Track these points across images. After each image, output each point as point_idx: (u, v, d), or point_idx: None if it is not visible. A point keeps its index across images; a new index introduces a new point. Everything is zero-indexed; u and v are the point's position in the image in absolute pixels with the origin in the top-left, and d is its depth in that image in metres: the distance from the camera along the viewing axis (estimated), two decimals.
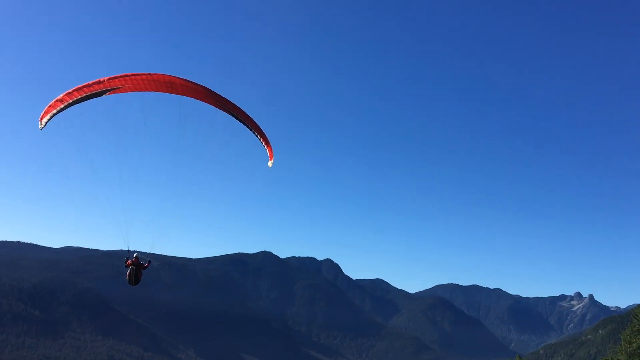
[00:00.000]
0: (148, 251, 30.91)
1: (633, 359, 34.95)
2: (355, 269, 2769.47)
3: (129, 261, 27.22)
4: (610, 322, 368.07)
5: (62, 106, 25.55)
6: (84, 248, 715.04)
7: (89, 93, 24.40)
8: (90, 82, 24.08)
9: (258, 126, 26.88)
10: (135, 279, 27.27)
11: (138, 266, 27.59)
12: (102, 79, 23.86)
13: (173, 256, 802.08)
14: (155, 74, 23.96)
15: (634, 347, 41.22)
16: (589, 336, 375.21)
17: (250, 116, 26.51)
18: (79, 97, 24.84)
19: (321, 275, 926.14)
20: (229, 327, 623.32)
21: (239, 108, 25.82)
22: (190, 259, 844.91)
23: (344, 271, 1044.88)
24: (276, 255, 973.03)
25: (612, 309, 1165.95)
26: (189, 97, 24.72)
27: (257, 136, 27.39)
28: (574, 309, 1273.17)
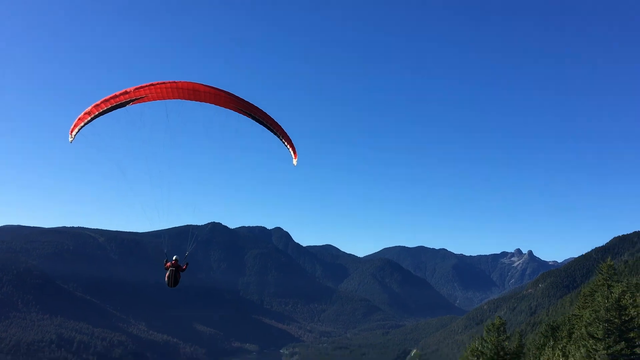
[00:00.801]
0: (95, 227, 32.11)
1: (610, 312, 38.32)
2: (305, 236, 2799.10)
3: (169, 263, 27.76)
4: (549, 276, 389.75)
5: (89, 118, 25.77)
6: (24, 226, 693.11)
7: (115, 104, 24.74)
8: (117, 93, 24.30)
9: (282, 128, 27.09)
10: (174, 280, 27.86)
11: (177, 268, 28.15)
12: (128, 89, 24.00)
13: (119, 231, 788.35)
14: (180, 81, 24.09)
15: (612, 302, 44.43)
16: (530, 290, 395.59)
17: (273, 118, 26.99)
18: (106, 108, 25.07)
19: (271, 243, 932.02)
20: (181, 299, 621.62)
21: (262, 111, 25.98)
22: (137, 233, 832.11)
23: (294, 239, 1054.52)
24: (225, 226, 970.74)
25: (550, 263, 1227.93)
26: (212, 105, 25.02)
27: (280, 138, 27.96)
28: (515, 265, 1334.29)
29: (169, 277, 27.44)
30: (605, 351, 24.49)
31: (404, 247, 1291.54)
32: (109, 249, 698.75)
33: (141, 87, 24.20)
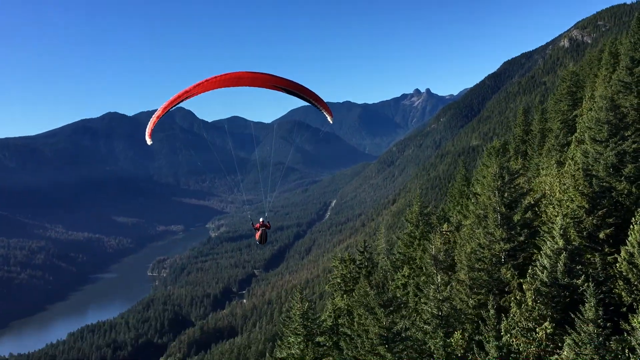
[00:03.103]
0: None
1: (609, 113, 40.15)
2: (209, 112, 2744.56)
3: (257, 224, 30.68)
4: (449, 109, 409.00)
5: (156, 121, 29.55)
6: None
7: (178, 103, 28.20)
8: (180, 93, 27.74)
9: (315, 94, 30.24)
10: (265, 238, 30.86)
11: (265, 227, 31.00)
12: (188, 89, 27.42)
13: (10, 137, 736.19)
14: (227, 73, 27.50)
15: (608, 102, 45.46)
16: (433, 125, 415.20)
17: (306, 87, 29.77)
18: (171, 107, 28.69)
19: (176, 124, 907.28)
20: (93, 195, 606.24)
21: (296, 83, 28.93)
22: (30, 136, 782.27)
23: (198, 116, 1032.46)
24: (123, 114, 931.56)
25: (447, 97, 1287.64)
26: (253, 87, 28.20)
27: (315, 105, 30.67)
28: (415, 104, 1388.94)
29: (261, 235, 30.65)
30: (613, 152, 26.23)
31: (309, 105, 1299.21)
32: (3, 158, 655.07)
33: (198, 85, 27.54)
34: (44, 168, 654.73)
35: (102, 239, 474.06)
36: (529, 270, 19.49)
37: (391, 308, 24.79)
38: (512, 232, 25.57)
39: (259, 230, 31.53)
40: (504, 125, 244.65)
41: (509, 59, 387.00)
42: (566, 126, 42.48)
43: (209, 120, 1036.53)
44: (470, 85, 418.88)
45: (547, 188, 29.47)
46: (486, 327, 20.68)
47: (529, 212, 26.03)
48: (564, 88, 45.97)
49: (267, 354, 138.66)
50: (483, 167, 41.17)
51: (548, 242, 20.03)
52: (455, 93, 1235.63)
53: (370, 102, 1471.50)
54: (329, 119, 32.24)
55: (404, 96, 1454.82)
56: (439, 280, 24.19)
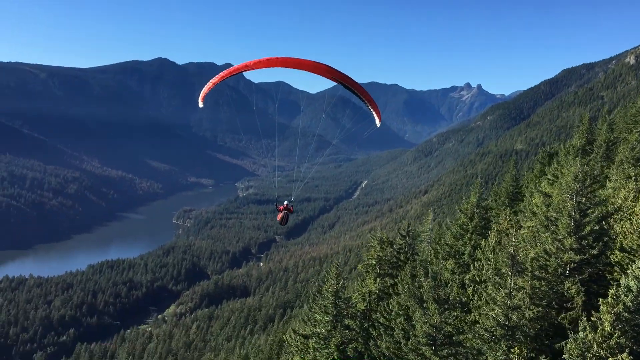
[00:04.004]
0: None
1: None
2: (256, 73, 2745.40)
3: (281, 207, 31.32)
4: (498, 109, 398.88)
5: (212, 86, 30.87)
6: None
7: (236, 73, 29.26)
8: (241, 66, 28.66)
9: (367, 94, 30.43)
10: (286, 221, 31.49)
11: (288, 210, 31.52)
12: (249, 63, 28.55)
13: (62, 66, 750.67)
14: (289, 58, 28.62)
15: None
16: (478, 122, 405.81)
17: (360, 85, 30.03)
18: (228, 77, 30.04)
19: (223, 81, 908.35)
20: (132, 136, 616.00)
21: (355, 82, 29.50)
22: (81, 68, 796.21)
23: (245, 75, 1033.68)
24: (173, 62, 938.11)
25: (497, 96, 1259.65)
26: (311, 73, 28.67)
27: (365, 103, 30.69)
28: (464, 99, 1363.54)
29: (282, 217, 30.99)
30: None
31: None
32: (53, 86, 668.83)
33: (259, 62, 28.50)
34: (89, 102, 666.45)
35: (134, 179, 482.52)
36: (612, 291, 17.25)
37: (446, 306, 22.42)
38: (584, 242, 23.14)
39: (281, 212, 31.83)
40: (553, 133, 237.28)
41: (569, 67, 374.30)
42: None
43: (255, 82, 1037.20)
44: (524, 88, 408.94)
45: (620, 202, 27.05)
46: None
47: (603, 223, 23.69)
48: None
49: (277, 321, 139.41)
50: (558, 166, 37.96)
51: (638, 262, 17.78)
52: (506, 93, 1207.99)
53: (418, 89, 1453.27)
54: (377, 121, 32.21)
55: (454, 88, 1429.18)
56: (512, 285, 21.60)
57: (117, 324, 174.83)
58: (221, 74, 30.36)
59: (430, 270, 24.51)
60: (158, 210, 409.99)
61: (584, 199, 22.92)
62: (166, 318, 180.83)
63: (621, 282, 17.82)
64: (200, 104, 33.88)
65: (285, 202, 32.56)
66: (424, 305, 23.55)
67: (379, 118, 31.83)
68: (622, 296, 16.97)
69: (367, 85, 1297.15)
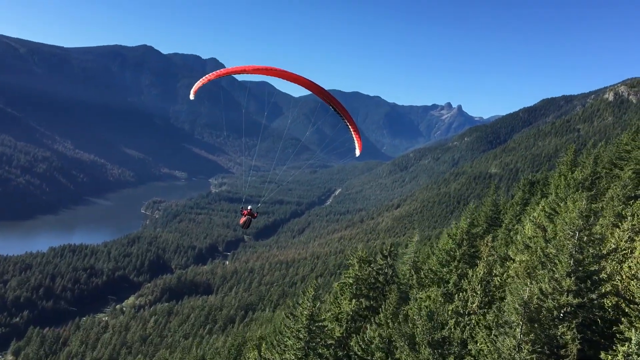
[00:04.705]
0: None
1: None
2: None
3: (245, 211, 31.71)
4: (475, 131, 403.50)
5: (206, 82, 30.97)
6: None
7: (231, 74, 29.82)
8: (239, 68, 28.92)
9: (356, 126, 31.66)
10: (248, 226, 31.79)
11: (251, 215, 31.96)
12: (247, 68, 28.86)
13: (44, 43, 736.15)
14: (288, 72, 29.11)
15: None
16: (455, 142, 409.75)
17: (347, 111, 31.23)
18: (222, 76, 30.58)
19: (205, 74, 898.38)
20: (109, 120, 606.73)
21: (345, 109, 30.65)
22: (63, 47, 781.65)
23: None
24: (158, 51, 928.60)
25: (476, 119, 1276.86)
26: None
27: (349, 128, 31.45)
28: (443, 117, 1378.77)
29: (245, 222, 31.58)
30: None
31: (340, 91, 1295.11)
32: (32, 62, 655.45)
33: (257, 69, 29.13)
34: (69, 82, 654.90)
35: (106, 165, 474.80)
36: (623, 348, 16.21)
37: (441, 351, 20.66)
38: (582, 284, 21.53)
39: (245, 217, 31.97)
40: (528, 160, 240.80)
41: (549, 97, 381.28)
42: (638, 177, 39.53)
43: (239, 79, 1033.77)
44: (503, 113, 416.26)
45: (613, 242, 26.48)
46: None
47: (604, 265, 22.61)
48: None
49: (237, 322, 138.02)
50: (556, 198, 36.95)
51: None
52: (485, 117, 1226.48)
53: (400, 103, 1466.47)
54: (357, 151, 32.46)
55: (435, 107, 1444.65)
56: (520, 336, 19.41)
57: (73, 310, 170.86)
58: (218, 72, 30.71)
59: (421, 308, 23.02)
60: (127, 198, 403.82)
61: (585, 237, 21.62)
62: (124, 309, 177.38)
63: (631, 337, 16.81)
64: (192, 96, 34.37)
65: (249, 207, 32.65)
66: (416, 347, 21.82)
67: (360, 149, 31.97)
68: (634, 355, 16.00)
69: (350, 94, 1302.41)
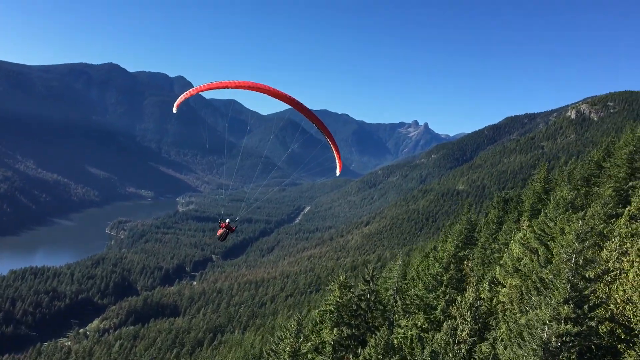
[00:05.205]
0: None
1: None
2: None
3: (223, 224, 32.04)
4: (442, 148, 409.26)
5: (188, 96, 31.07)
6: None
7: (214, 89, 29.45)
8: (224, 83, 28.65)
9: (336, 146, 32.13)
10: (225, 238, 32.30)
11: (229, 229, 32.32)
12: (230, 83, 28.75)
13: (4, 61, 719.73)
14: (272, 88, 29.46)
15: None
16: (423, 160, 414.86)
17: (329, 130, 31.95)
18: (205, 90, 29.96)
19: (173, 92, 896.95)
20: (73, 139, 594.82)
21: (327, 130, 31.22)
22: (25, 65, 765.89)
23: None
24: (124, 69, 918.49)
25: (442, 136, 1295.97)
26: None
27: (332, 149, 31.94)
28: (410, 135, 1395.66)
29: (222, 234, 32.02)
30: None
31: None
32: None
33: (241, 85, 28.96)
34: (31, 100, 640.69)
35: (69, 184, 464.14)
36: None
37: None
38: (579, 311, 20.41)
39: (222, 229, 32.30)
40: (494, 177, 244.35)
41: (512, 115, 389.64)
42: (618, 195, 39.47)
43: (207, 97, 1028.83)
44: (468, 131, 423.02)
45: (602, 263, 25.84)
46: None
47: (594, 286, 21.57)
48: (625, 153, 42.48)
49: (205, 346, 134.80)
50: (545, 219, 36.17)
51: None
52: (451, 134, 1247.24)
53: (367, 121, 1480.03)
54: (337, 171, 33.21)
55: (402, 124, 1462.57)
56: None
57: (34, 335, 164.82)
58: (200, 87, 30.98)
59: (412, 339, 21.77)
60: (92, 218, 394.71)
61: (581, 260, 20.81)
62: (88, 333, 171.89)
63: None
64: (174, 110, 35.12)
65: (227, 220, 32.73)
66: None
67: (339, 169, 32.69)
68: None
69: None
